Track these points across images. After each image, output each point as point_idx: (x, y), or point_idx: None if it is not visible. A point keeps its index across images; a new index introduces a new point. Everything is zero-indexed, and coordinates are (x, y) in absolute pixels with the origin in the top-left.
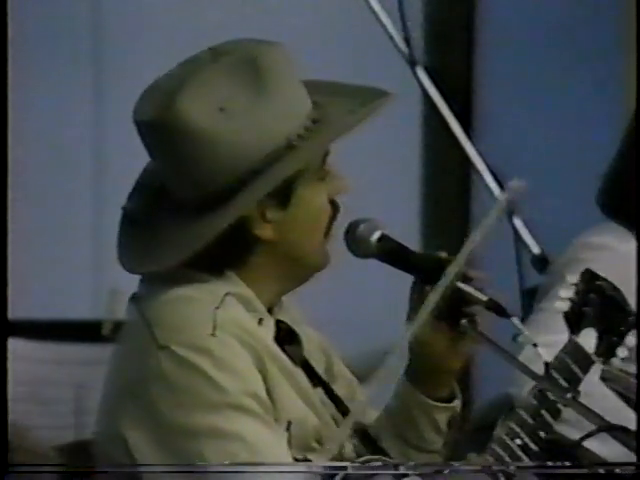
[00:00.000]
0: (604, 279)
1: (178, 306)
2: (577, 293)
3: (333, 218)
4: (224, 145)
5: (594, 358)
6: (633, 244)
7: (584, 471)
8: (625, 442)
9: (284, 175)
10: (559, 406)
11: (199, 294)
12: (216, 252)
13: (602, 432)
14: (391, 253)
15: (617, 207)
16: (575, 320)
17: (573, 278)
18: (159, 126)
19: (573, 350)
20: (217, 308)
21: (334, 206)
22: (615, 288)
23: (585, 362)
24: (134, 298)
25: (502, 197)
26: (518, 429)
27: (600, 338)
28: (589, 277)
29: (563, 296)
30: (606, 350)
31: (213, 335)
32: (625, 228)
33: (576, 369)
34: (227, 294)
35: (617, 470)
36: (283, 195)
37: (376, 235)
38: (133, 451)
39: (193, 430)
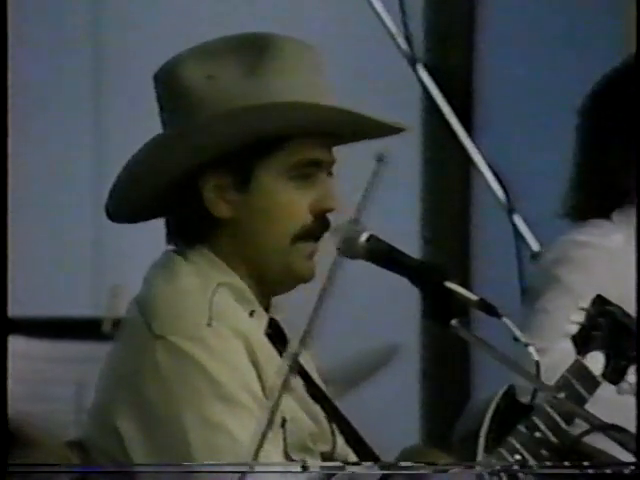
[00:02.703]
0: (615, 304)
1: (174, 297)
2: (587, 317)
3: (315, 230)
4: (206, 108)
5: (600, 380)
6: (620, 238)
7: (584, 471)
8: (620, 440)
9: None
10: (561, 425)
11: (193, 285)
12: (185, 230)
13: (596, 431)
14: (380, 254)
15: (595, 204)
16: (582, 342)
17: (584, 303)
18: (159, 80)
19: (578, 371)
20: (212, 298)
21: (321, 220)
22: (626, 314)
23: (591, 383)
24: (137, 297)
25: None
26: (518, 444)
27: (608, 361)
28: (600, 302)
29: (573, 320)
30: (614, 374)
31: (209, 325)
32: (611, 222)
33: (581, 389)
34: (219, 284)
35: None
36: (242, 178)
37: (364, 236)
38: (124, 441)
39: (182, 420)
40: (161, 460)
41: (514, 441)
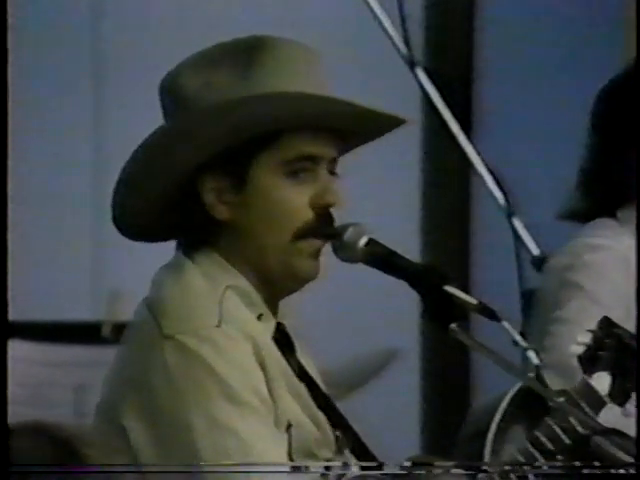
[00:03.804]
0: (621, 327)
1: (183, 299)
2: (594, 338)
3: (317, 227)
4: (203, 115)
5: (606, 400)
6: (628, 239)
7: (586, 472)
8: (620, 445)
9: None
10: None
11: (202, 287)
12: (191, 234)
13: (597, 436)
14: (379, 258)
15: (601, 203)
16: (589, 362)
17: (591, 325)
18: (163, 91)
19: (584, 390)
20: (222, 301)
21: (323, 217)
22: (632, 336)
23: (597, 403)
24: (146, 299)
25: None
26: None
27: (613, 382)
28: (607, 324)
29: (580, 341)
30: (620, 394)
31: (218, 327)
32: (617, 221)
33: (587, 408)
34: (227, 287)
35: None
36: (239, 179)
37: (363, 240)
38: (131, 440)
39: (190, 420)
40: (168, 460)
41: (519, 456)
